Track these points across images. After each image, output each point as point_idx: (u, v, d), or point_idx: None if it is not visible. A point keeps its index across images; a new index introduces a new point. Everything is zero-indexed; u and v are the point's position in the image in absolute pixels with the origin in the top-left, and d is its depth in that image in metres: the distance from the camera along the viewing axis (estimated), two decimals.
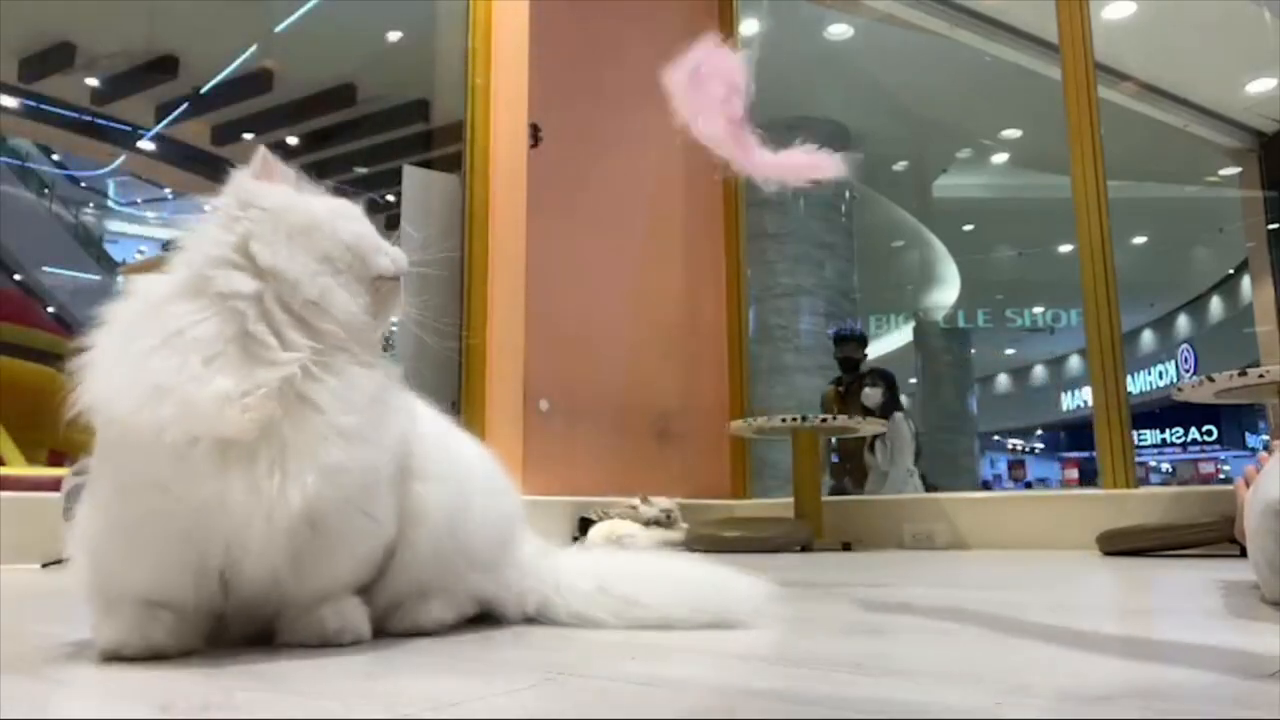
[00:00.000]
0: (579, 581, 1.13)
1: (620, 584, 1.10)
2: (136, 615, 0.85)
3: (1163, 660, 0.91)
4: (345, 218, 0.99)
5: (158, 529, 0.85)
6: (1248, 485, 1.39)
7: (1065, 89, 3.58)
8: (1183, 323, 15.01)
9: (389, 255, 1.00)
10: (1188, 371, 13.99)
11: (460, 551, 1.04)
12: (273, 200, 0.95)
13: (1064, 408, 17.74)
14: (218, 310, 0.87)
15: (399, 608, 1.01)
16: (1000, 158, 10.02)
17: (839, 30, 6.96)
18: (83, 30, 7.72)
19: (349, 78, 7.88)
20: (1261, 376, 2.56)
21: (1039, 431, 20.94)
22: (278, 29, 7.57)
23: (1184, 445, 18.25)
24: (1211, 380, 2.68)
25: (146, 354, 0.83)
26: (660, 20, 4.45)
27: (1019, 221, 10.86)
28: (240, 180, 0.97)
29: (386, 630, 0.99)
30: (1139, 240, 11.32)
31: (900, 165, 10.02)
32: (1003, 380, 19.04)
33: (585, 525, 3.29)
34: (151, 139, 9.58)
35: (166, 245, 2.81)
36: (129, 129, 9.42)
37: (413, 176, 3.81)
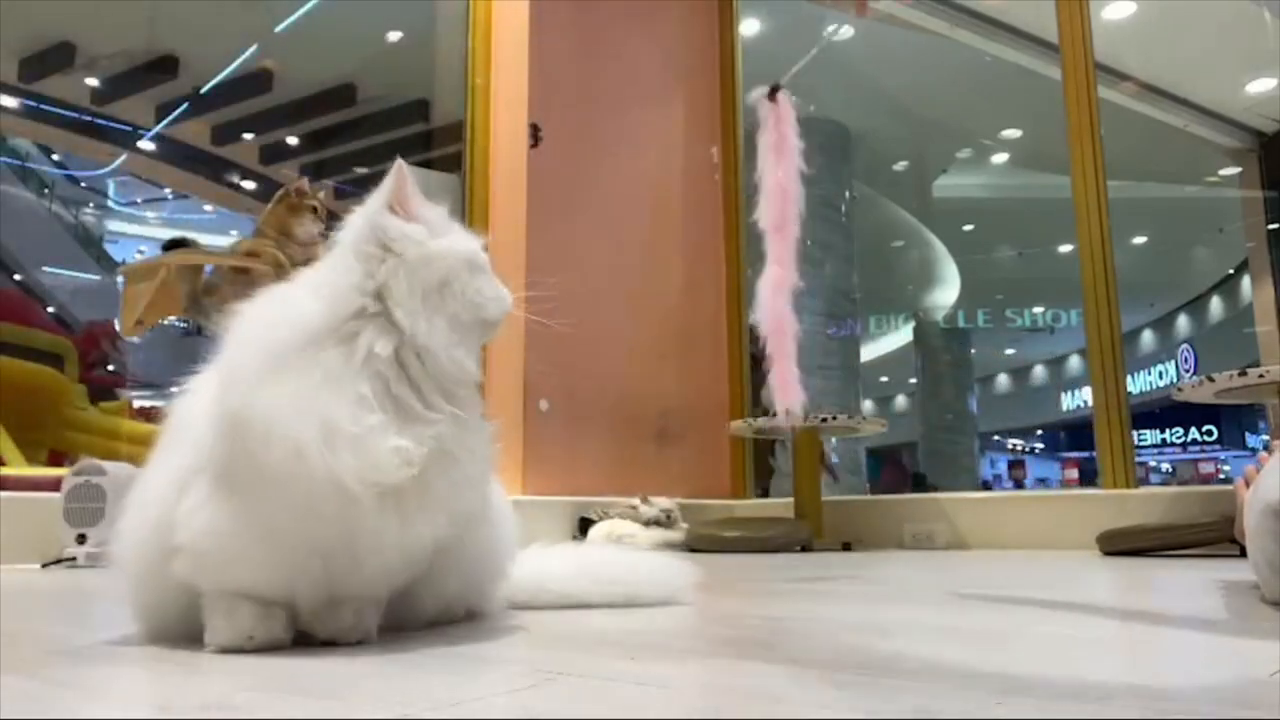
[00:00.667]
0: (563, 570, 1.31)
1: (599, 570, 1.32)
2: (257, 612, 0.89)
3: (1163, 660, 0.91)
4: (472, 269, 0.99)
5: (300, 546, 0.89)
6: (1248, 485, 1.39)
7: (1065, 89, 3.58)
8: (1183, 323, 15.02)
9: (498, 301, 1.01)
10: (1188, 371, 13.99)
11: (490, 577, 1.15)
12: (410, 250, 0.95)
13: (1064, 408, 17.75)
14: (364, 365, 0.91)
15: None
16: (1000, 158, 10.03)
17: (839, 30, 6.96)
18: (83, 30, 7.72)
19: (349, 78, 7.88)
20: (1261, 376, 2.56)
21: (1039, 431, 20.95)
22: (278, 29, 7.58)
23: (1184, 445, 18.25)
24: (1211, 380, 2.68)
25: (314, 389, 0.88)
26: (660, 20, 4.45)
27: (1019, 221, 10.88)
28: (377, 211, 0.97)
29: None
30: (1139, 240, 11.33)
31: (900, 165, 10.02)
32: (1003, 380, 19.05)
33: (585, 525, 3.29)
34: (151, 139, 9.59)
35: (166, 245, 2.80)
36: (129, 129, 9.42)
37: (413, 177, 3.80)
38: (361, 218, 0.97)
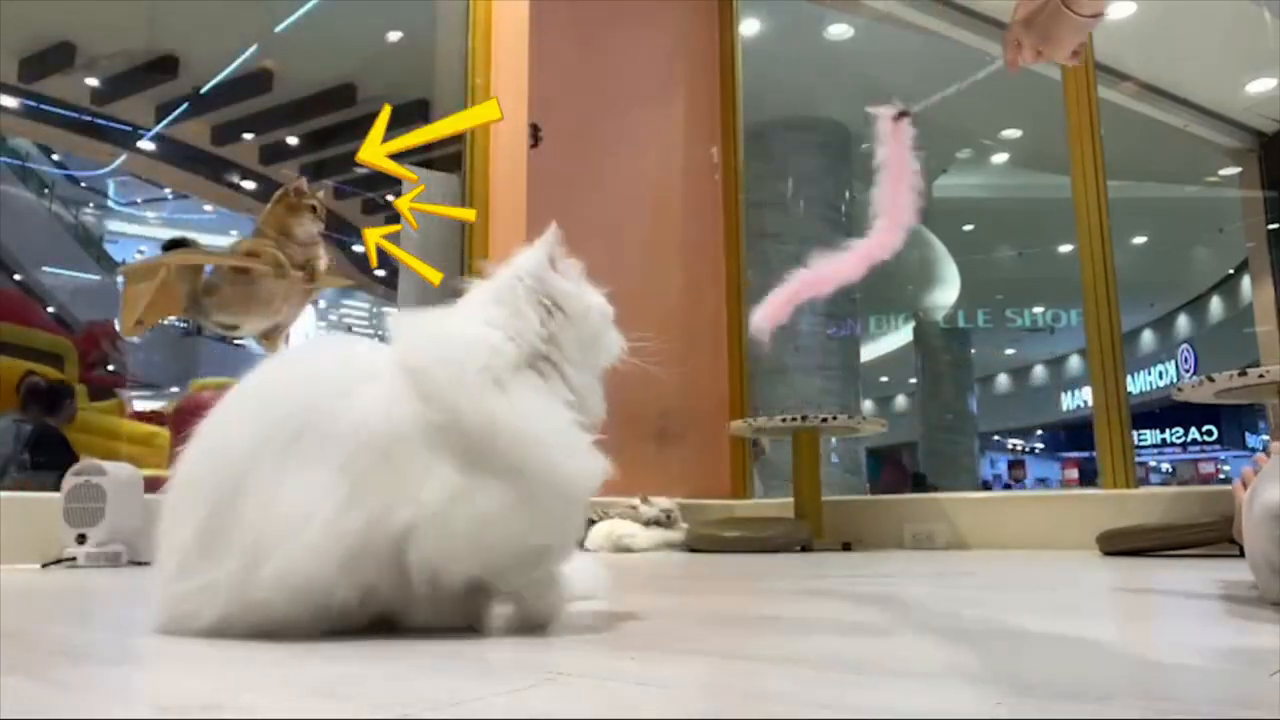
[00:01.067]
0: None
1: None
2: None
3: (1163, 660, 0.91)
4: (608, 322, 1.15)
5: (524, 539, 1.01)
6: (1245, 487, 1.39)
7: (1065, 89, 3.58)
8: (1183, 323, 15.01)
9: (619, 349, 1.17)
10: (1188, 371, 13.99)
11: None
12: (572, 306, 1.09)
13: (1064, 408, 17.74)
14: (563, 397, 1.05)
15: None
16: (1000, 158, 10.02)
17: (839, 30, 6.96)
18: (83, 30, 7.73)
19: (349, 78, 7.88)
20: (1261, 376, 2.56)
21: (1039, 431, 20.94)
22: (278, 29, 7.58)
23: (1184, 445, 18.24)
24: (1211, 380, 2.68)
25: (541, 401, 1.02)
26: (660, 20, 4.46)
27: (1019, 221, 10.86)
28: (543, 266, 1.09)
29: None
30: (1139, 240, 11.32)
31: None
32: (1003, 380, 19.03)
33: (585, 525, 3.30)
34: (151, 139, 9.59)
35: (166, 245, 2.80)
36: (129, 129, 9.43)
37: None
38: (524, 269, 1.08)
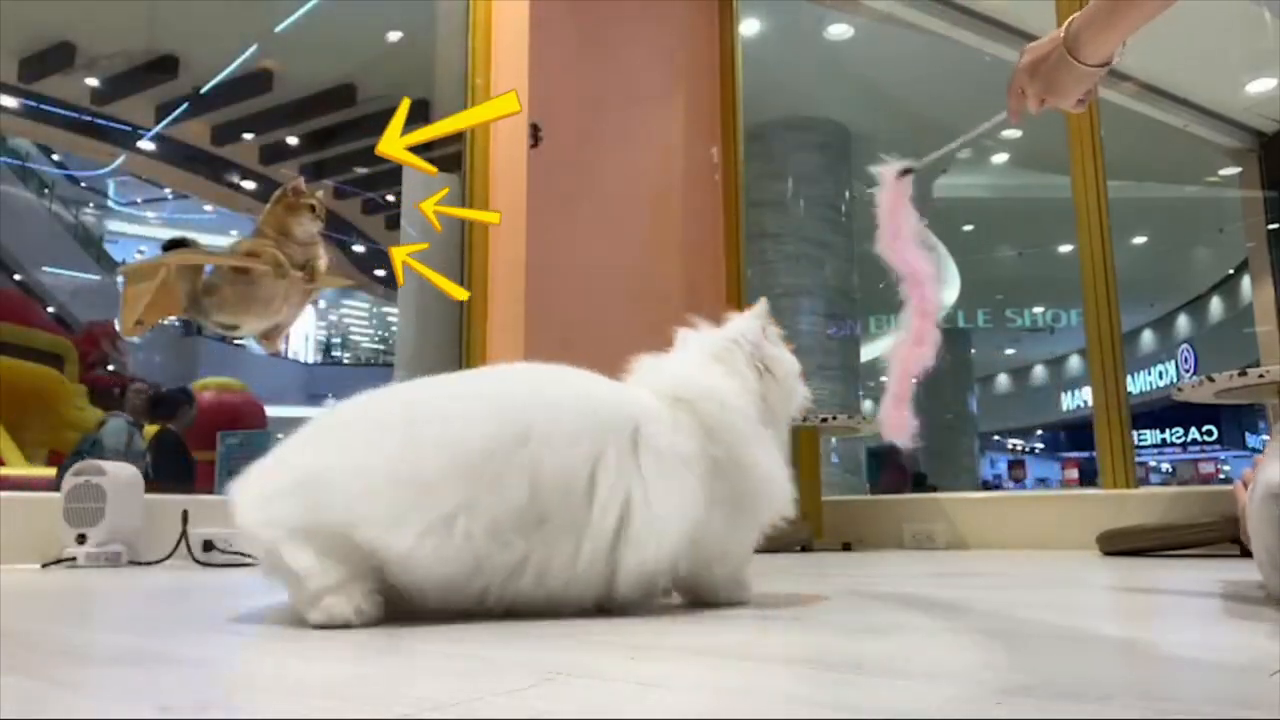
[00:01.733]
0: None
1: None
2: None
3: (1163, 660, 0.91)
4: (798, 379, 1.39)
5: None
6: (1246, 487, 1.39)
7: None
8: (1183, 323, 15.02)
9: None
10: (1188, 371, 14.00)
11: None
12: (779, 370, 1.33)
13: (1064, 408, 17.75)
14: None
15: None
16: (1000, 158, 10.02)
17: (839, 30, 6.96)
18: (83, 30, 7.73)
19: (349, 78, 7.88)
20: (1261, 376, 2.55)
21: (1039, 431, 20.96)
22: (278, 29, 7.58)
23: (1184, 445, 18.25)
24: (1211, 380, 2.68)
25: (780, 457, 1.31)
26: (660, 20, 4.45)
27: (1019, 221, 10.85)
28: (758, 333, 1.33)
29: None
30: (1139, 240, 11.32)
31: None
32: (1003, 380, 19.05)
33: None
34: (151, 139, 9.59)
35: (166, 245, 2.81)
36: (129, 129, 9.43)
37: (413, 176, 3.80)
38: (743, 334, 1.33)
